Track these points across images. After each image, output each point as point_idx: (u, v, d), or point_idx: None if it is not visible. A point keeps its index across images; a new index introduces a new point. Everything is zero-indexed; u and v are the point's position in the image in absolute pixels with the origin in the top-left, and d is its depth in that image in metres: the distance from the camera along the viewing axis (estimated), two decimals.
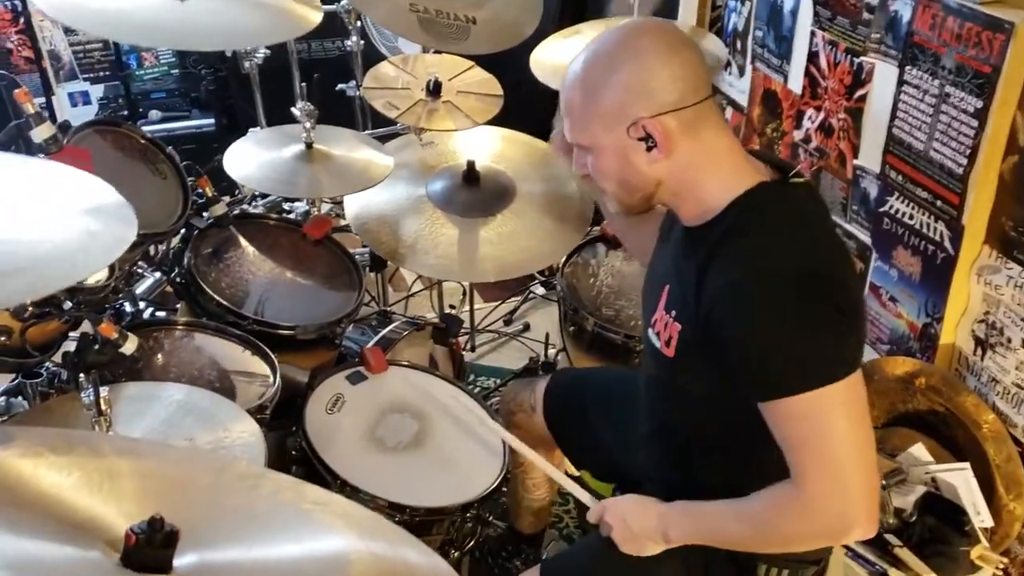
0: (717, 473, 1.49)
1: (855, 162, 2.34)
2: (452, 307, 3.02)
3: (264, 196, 2.78)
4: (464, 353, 3.08)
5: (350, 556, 0.87)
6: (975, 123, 1.92)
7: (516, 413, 2.02)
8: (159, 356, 1.88)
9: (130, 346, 1.61)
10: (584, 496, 1.62)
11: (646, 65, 1.33)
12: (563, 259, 2.48)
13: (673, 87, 1.32)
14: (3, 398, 1.82)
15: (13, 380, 1.90)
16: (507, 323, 3.36)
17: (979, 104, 1.90)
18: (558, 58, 2.52)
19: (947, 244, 2.06)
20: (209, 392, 1.62)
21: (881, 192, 2.26)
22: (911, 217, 2.17)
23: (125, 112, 3.79)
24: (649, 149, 1.34)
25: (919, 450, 2.13)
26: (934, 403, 2.15)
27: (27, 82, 3.80)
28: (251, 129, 2.69)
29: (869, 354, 2.35)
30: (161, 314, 2.24)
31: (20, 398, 1.87)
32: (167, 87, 4.00)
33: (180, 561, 0.82)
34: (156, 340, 1.90)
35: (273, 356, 1.91)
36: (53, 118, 3.52)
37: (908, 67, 2.09)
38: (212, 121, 3.92)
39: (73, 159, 1.68)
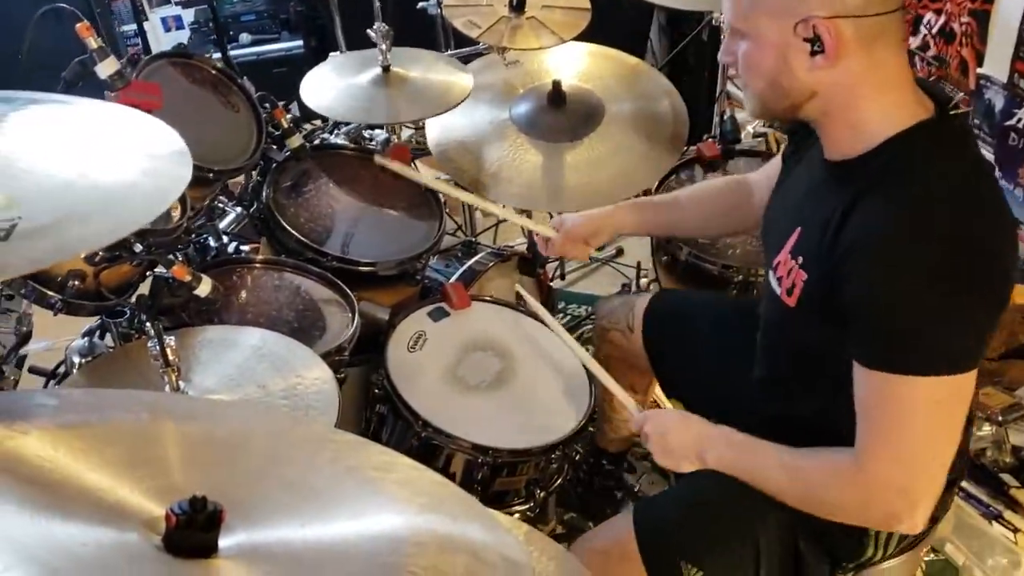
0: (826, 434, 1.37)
1: (979, 71, 2.13)
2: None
3: (346, 124, 2.71)
4: (555, 280, 3.01)
5: (407, 537, 0.80)
6: None
7: (610, 330, 1.93)
8: (238, 295, 1.85)
9: (204, 288, 1.57)
10: (631, 404, 1.61)
11: None
12: (655, 184, 2.34)
13: None
14: (86, 339, 1.82)
15: (96, 320, 1.90)
16: (598, 248, 3.25)
17: None
18: None
19: None
20: (285, 337, 1.57)
21: (1008, 104, 2.05)
22: None
23: (214, 36, 3.76)
24: (813, 54, 1.19)
25: None
26: None
27: (120, 9, 3.83)
28: (331, 54, 2.60)
29: None
30: (245, 248, 2.21)
31: (105, 338, 1.87)
32: (256, 9, 3.95)
33: (227, 541, 0.77)
34: (234, 279, 1.87)
35: (352, 295, 1.86)
36: (145, 44, 3.57)
37: None
38: (301, 43, 3.86)
39: (141, 93, 1.63)
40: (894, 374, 1.17)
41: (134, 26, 3.65)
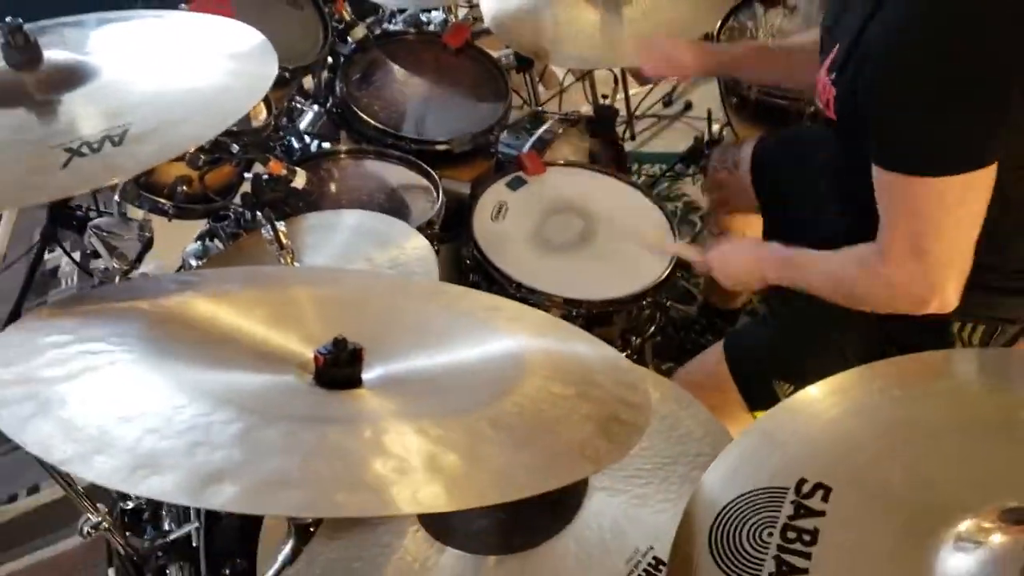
0: None
1: None
2: (605, 97, 2.93)
3: (403, 11, 2.74)
4: (626, 141, 3.03)
5: (525, 355, 0.89)
6: None
7: (719, 170, 2.01)
8: (330, 185, 1.95)
9: (300, 180, 1.67)
10: (691, 252, 1.76)
11: None
12: (717, 26, 2.33)
13: None
14: (199, 242, 1.95)
15: (205, 225, 2.03)
16: (667, 104, 3.26)
17: None
18: None
19: None
20: (380, 215, 1.67)
21: None
22: None
23: None
24: None
25: None
26: None
27: None
28: None
29: None
30: (327, 145, 2.30)
31: (215, 241, 2.00)
32: None
33: (368, 375, 0.88)
34: (324, 171, 1.97)
35: (434, 172, 1.94)
36: None
37: None
38: None
39: (213, 3, 1.70)
40: (905, 175, 1.22)
41: None
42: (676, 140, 3.09)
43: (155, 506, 1.65)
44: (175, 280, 1.00)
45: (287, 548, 0.91)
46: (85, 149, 1.00)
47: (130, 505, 1.66)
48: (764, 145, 1.93)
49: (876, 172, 1.27)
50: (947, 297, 1.27)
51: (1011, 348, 1.43)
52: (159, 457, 0.65)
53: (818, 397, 0.82)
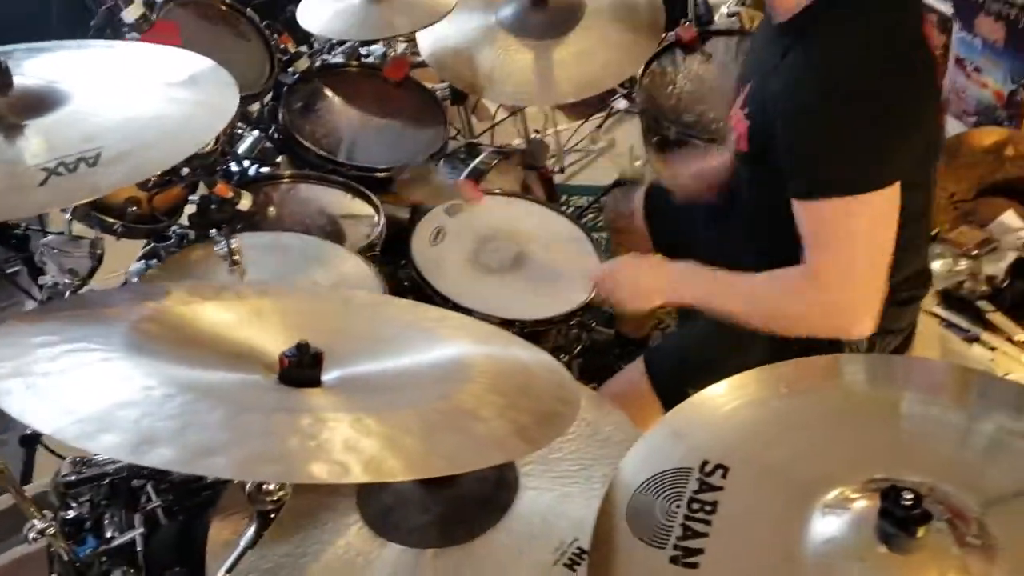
0: None
1: None
2: (537, 132, 3.07)
3: (341, 43, 2.85)
4: (555, 174, 3.18)
5: (470, 360, 1.01)
6: None
7: (617, 220, 2.13)
8: (271, 209, 2.04)
9: (245, 203, 1.75)
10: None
11: None
12: (640, 70, 2.49)
13: None
14: (142, 261, 2.02)
15: (147, 245, 2.09)
16: (593, 141, 3.41)
17: None
18: None
19: None
20: (322, 240, 1.77)
21: None
22: None
23: None
24: None
25: (1010, 217, 2.17)
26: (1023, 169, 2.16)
27: None
28: None
29: (955, 127, 2.34)
30: (265, 170, 2.39)
31: (156, 260, 2.06)
32: None
33: (326, 376, 0.98)
34: (266, 194, 2.06)
35: (376, 199, 2.04)
36: None
37: None
38: None
39: (163, 33, 1.79)
40: (815, 200, 1.36)
41: None
42: (602, 174, 3.25)
43: (97, 515, 1.70)
44: (148, 290, 1.09)
45: (249, 532, 1.00)
46: (62, 169, 1.09)
47: (71, 514, 1.70)
48: (654, 191, 2.06)
49: (799, 203, 1.40)
50: (866, 322, 1.39)
51: (895, 355, 1.59)
52: (142, 431, 0.76)
53: (721, 393, 0.95)
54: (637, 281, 1.66)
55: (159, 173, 1.68)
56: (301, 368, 0.96)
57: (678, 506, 0.82)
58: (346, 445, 0.79)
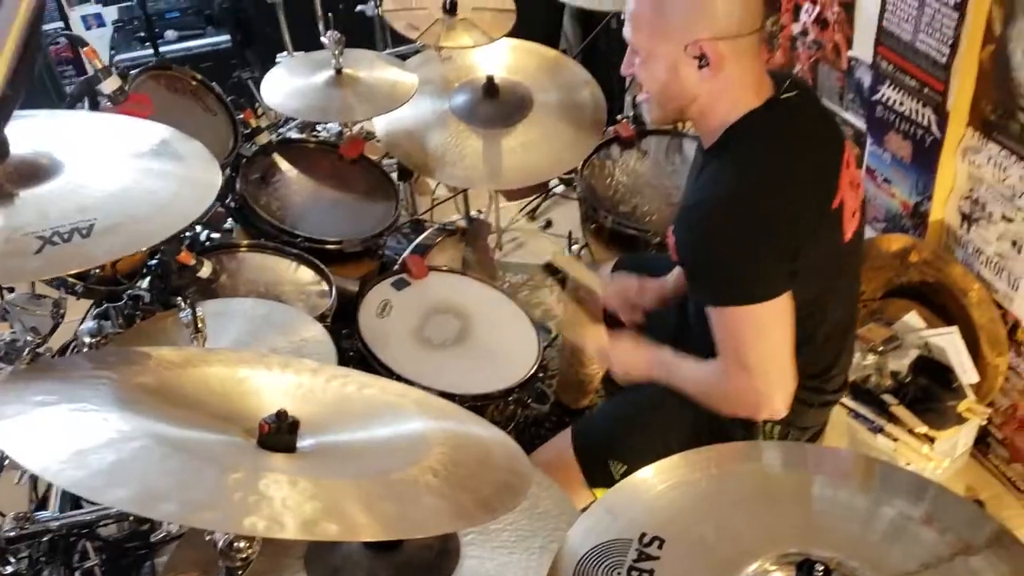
0: None
1: (849, 53, 2.49)
2: (480, 211, 3.21)
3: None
4: (495, 251, 3.31)
5: (430, 434, 1.11)
6: (956, 15, 2.06)
7: (576, 297, 2.26)
8: (224, 276, 2.11)
9: (206, 271, 1.84)
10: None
11: None
12: (581, 163, 2.66)
13: (734, 15, 1.47)
14: (95, 322, 2.06)
15: (99, 305, 2.14)
16: (530, 220, 3.57)
17: None
18: None
19: (934, 128, 2.24)
20: (281, 304, 1.85)
21: (874, 81, 2.42)
22: (901, 104, 2.33)
23: (142, 33, 3.83)
24: (700, 67, 1.50)
25: (913, 318, 2.35)
26: (926, 275, 2.36)
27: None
28: (279, 55, 2.85)
29: (867, 233, 2.54)
30: (216, 236, 2.46)
31: (107, 320, 2.11)
32: (180, 6, 4.00)
33: (301, 443, 1.07)
34: (220, 261, 2.13)
35: (327, 270, 2.14)
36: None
37: None
38: (228, 38, 3.93)
39: (137, 106, 1.88)
40: (720, 307, 1.53)
41: (60, 23, 3.63)
42: (539, 253, 3.39)
43: (35, 572, 1.72)
44: (132, 355, 1.16)
45: None
46: (56, 239, 1.16)
47: (9, 570, 1.72)
48: (619, 268, 2.20)
49: (707, 311, 1.56)
50: (775, 405, 1.56)
51: (808, 444, 1.74)
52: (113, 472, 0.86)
53: (653, 475, 1.07)
54: (627, 365, 1.80)
55: None
56: (279, 434, 1.04)
57: (619, 573, 0.93)
58: (284, 504, 0.88)
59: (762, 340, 1.53)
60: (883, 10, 2.30)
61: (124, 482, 0.84)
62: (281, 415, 1.05)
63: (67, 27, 3.67)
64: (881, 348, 2.35)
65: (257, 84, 2.78)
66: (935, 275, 2.33)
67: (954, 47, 2.09)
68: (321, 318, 2.00)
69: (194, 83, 2.17)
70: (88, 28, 3.99)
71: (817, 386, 1.72)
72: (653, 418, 1.77)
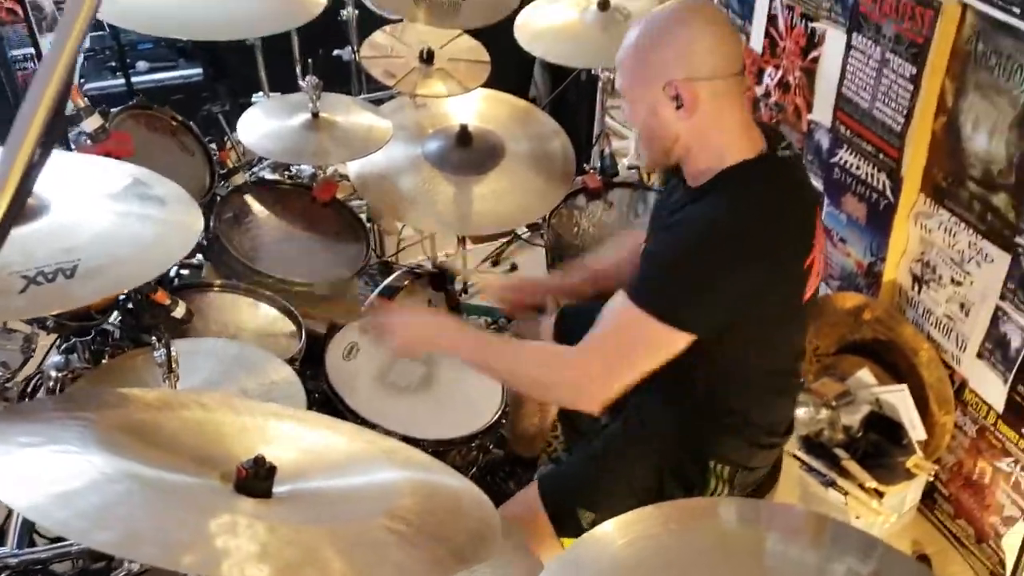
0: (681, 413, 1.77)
1: (809, 117, 2.60)
2: (449, 254, 3.25)
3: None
4: (460, 295, 3.35)
5: (402, 482, 1.14)
6: (911, 87, 2.17)
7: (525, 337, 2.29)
8: (199, 316, 2.12)
9: (179, 311, 1.86)
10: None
11: (691, 36, 1.56)
12: (549, 212, 2.72)
13: (710, 59, 1.56)
14: (63, 356, 2.07)
15: (66, 340, 2.14)
16: (495, 264, 3.62)
17: (914, 70, 2.15)
18: (540, 23, 2.74)
19: (888, 192, 2.33)
20: (251, 346, 1.87)
21: (832, 144, 2.52)
22: (858, 168, 2.43)
23: (113, 63, 3.83)
24: (677, 108, 1.58)
25: (865, 374, 2.43)
26: (878, 333, 2.44)
27: (12, 34, 3.81)
28: (255, 95, 2.89)
29: (823, 289, 2.63)
30: (185, 272, 2.48)
31: (75, 355, 2.11)
32: (152, 37, 3.87)
33: (278, 489, 1.10)
34: (191, 300, 2.15)
35: (297, 313, 2.16)
36: None
37: (855, 34, 2.33)
38: (200, 71, 3.93)
39: (117, 144, 1.91)
40: (634, 303, 1.55)
41: (30, 49, 3.65)
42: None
43: None
44: (110, 396, 1.19)
45: None
46: (41, 278, 1.19)
47: None
48: (564, 315, 2.22)
49: (621, 294, 1.59)
50: (594, 405, 1.59)
51: (761, 500, 1.79)
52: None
53: (614, 530, 1.10)
54: (407, 328, 1.80)
55: None
56: (257, 480, 1.07)
57: None
58: (265, 550, 0.91)
59: (638, 353, 1.56)
60: (843, 78, 2.41)
61: (110, 525, 0.86)
62: (259, 460, 1.08)
63: (39, 54, 3.67)
64: (834, 403, 2.41)
65: (227, 118, 2.84)
66: (887, 333, 2.41)
67: (908, 116, 2.19)
68: (291, 361, 2.02)
69: (174, 123, 2.21)
70: None
71: (768, 429, 1.77)
72: (617, 464, 1.81)
